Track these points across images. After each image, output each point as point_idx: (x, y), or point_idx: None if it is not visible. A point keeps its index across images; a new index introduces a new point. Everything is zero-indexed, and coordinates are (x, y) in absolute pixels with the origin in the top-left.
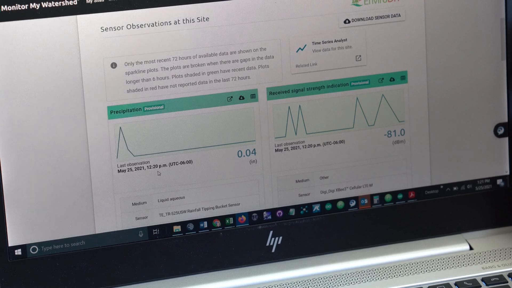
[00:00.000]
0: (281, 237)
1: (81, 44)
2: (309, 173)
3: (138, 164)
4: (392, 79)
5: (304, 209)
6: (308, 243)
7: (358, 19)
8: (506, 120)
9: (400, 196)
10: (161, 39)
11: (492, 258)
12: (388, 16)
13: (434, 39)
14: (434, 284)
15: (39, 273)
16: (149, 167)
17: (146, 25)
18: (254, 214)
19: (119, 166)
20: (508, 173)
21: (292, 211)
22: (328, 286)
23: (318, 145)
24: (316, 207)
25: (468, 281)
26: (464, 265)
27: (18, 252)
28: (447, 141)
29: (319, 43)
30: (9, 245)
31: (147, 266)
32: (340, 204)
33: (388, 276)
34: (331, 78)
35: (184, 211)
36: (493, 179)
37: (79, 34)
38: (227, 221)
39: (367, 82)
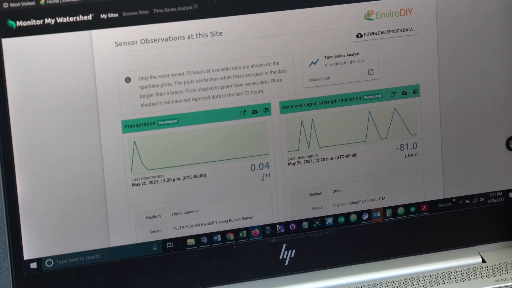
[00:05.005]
0: (294, 250)
1: (95, 58)
2: (322, 186)
3: (152, 178)
4: (404, 93)
5: (317, 222)
6: (321, 256)
7: (371, 33)
8: None
9: (412, 209)
10: (174, 54)
11: (505, 271)
12: (400, 30)
13: (446, 53)
14: None
15: (54, 286)
16: (163, 180)
17: (160, 40)
18: (267, 227)
19: (133, 180)
20: None
21: (305, 224)
22: None
23: (331, 158)
24: (329, 220)
25: None
26: (477, 278)
27: (33, 265)
28: (460, 154)
29: (332, 57)
30: (25, 258)
31: (161, 279)
32: (353, 217)
33: None
34: (344, 92)
35: (198, 225)
36: (505, 192)
37: (94, 49)
38: (241, 234)
39: (379, 96)
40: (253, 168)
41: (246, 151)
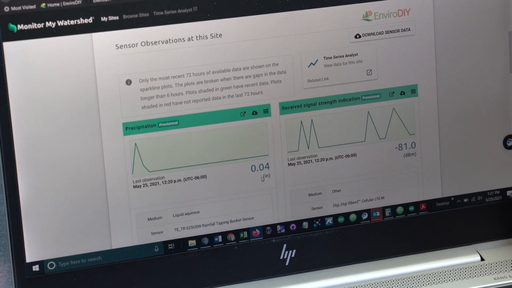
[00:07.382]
0: (294, 250)
1: (96, 61)
2: (321, 186)
3: (153, 180)
4: (402, 93)
5: (317, 222)
6: (321, 256)
7: (369, 34)
8: None
9: (411, 208)
10: (175, 56)
11: (504, 269)
12: (398, 31)
13: (444, 53)
14: None
15: None
16: (164, 182)
17: (160, 42)
18: (268, 227)
19: (134, 182)
20: None
21: (305, 225)
22: None
23: (331, 158)
24: (329, 220)
25: None
26: (476, 276)
27: (35, 268)
28: (458, 153)
29: (331, 58)
30: (27, 261)
31: (162, 281)
32: (353, 217)
33: None
34: (343, 93)
35: (199, 226)
36: (503, 191)
37: (94, 51)
38: (241, 235)
39: (378, 96)
40: (253, 169)
41: (246, 152)
